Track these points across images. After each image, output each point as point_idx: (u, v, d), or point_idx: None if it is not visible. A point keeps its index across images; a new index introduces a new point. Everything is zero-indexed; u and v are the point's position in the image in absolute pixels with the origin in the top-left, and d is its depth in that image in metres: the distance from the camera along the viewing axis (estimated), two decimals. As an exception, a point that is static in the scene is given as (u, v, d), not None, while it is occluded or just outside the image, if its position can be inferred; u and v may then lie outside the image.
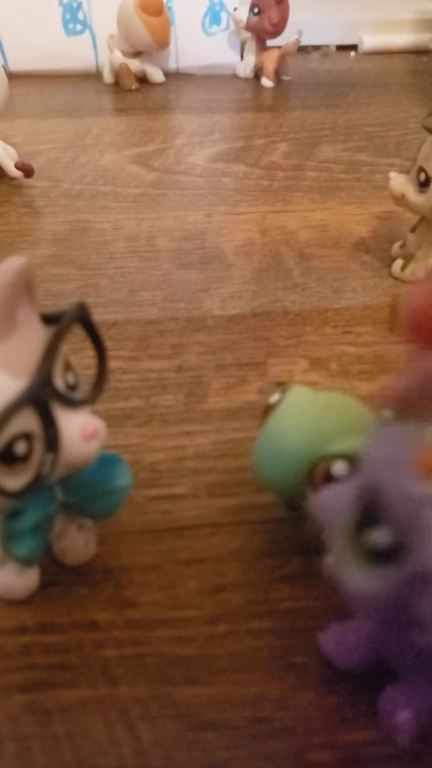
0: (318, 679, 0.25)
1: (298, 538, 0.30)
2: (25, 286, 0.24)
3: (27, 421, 0.23)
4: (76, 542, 0.29)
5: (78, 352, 0.27)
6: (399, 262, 0.47)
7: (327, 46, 0.93)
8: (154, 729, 0.24)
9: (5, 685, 0.25)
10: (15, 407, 0.22)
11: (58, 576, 0.29)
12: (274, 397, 0.29)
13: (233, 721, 0.24)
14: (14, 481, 0.24)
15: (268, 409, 0.29)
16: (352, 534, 0.20)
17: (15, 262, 0.23)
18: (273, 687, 0.25)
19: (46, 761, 0.23)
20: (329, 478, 0.26)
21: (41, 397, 0.23)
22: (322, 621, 0.27)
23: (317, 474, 0.27)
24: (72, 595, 0.28)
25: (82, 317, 0.25)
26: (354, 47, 0.94)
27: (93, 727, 0.24)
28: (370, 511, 0.20)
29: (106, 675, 0.26)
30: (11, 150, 0.59)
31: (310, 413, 0.28)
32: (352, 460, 0.26)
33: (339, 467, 0.26)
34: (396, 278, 0.47)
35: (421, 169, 0.42)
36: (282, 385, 0.31)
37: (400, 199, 0.44)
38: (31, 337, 0.24)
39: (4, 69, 0.57)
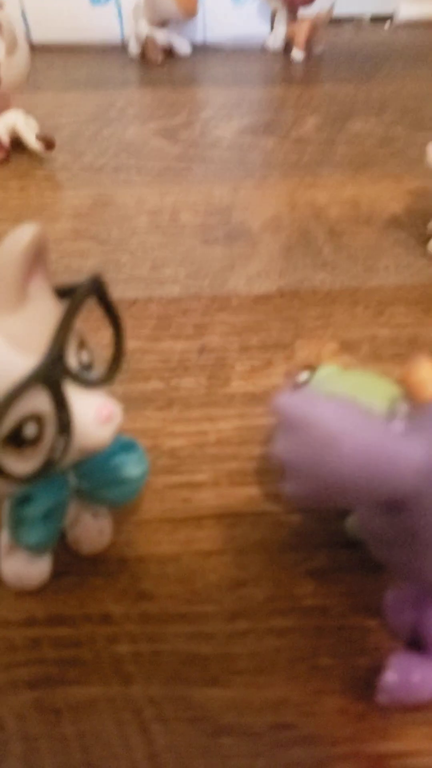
0: (344, 683, 0.24)
1: (324, 530, 0.28)
2: (38, 255, 0.22)
3: (37, 402, 0.21)
4: (91, 530, 0.27)
5: (96, 331, 0.25)
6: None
7: (361, 16, 0.90)
8: (169, 732, 0.23)
9: (12, 681, 0.24)
10: (24, 386, 0.21)
11: (70, 565, 0.27)
12: (304, 376, 0.28)
13: (253, 726, 0.23)
14: (24, 465, 0.22)
15: (296, 388, 0.28)
16: None
17: (27, 230, 0.22)
18: (296, 691, 0.24)
19: (53, 763, 0.22)
20: None
21: (53, 376, 0.22)
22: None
23: None
24: (85, 585, 0.27)
25: (98, 290, 0.23)
26: (389, 18, 0.90)
27: (104, 728, 0.23)
28: None
29: (118, 672, 0.24)
30: (33, 122, 0.57)
31: (340, 393, 0.27)
32: None
33: None
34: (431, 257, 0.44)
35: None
36: (310, 368, 0.30)
37: (439, 174, 0.41)
38: (44, 312, 0.22)
39: (27, 40, 0.55)
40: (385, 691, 0.23)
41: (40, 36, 0.79)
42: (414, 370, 0.20)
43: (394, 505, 0.19)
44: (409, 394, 0.20)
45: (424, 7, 0.88)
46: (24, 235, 0.22)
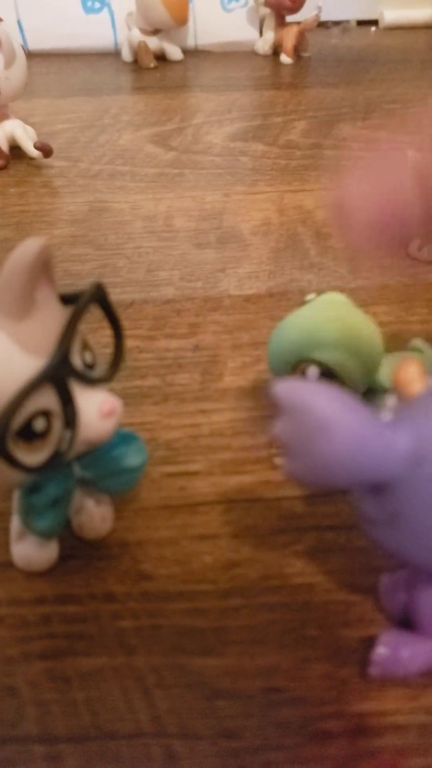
0: (329, 651, 0.26)
1: (311, 515, 0.31)
2: (44, 266, 0.24)
3: (46, 399, 0.24)
4: (94, 517, 0.29)
5: (95, 332, 0.27)
6: (416, 242, 0.46)
7: (347, 21, 0.92)
8: (169, 697, 0.25)
9: (26, 653, 0.26)
10: (34, 385, 0.23)
11: (76, 549, 0.29)
12: (311, 296, 0.33)
13: (246, 690, 0.25)
14: (33, 457, 0.24)
15: (301, 305, 0.33)
16: None
17: (34, 243, 0.23)
18: (285, 658, 0.26)
19: (65, 725, 0.24)
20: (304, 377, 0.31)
21: (59, 375, 0.24)
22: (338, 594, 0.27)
23: (297, 371, 0.31)
24: (90, 567, 0.29)
25: (100, 297, 0.26)
26: (375, 22, 0.93)
27: (110, 694, 0.25)
28: None
29: (122, 644, 0.26)
30: (30, 130, 0.59)
31: (314, 319, 0.32)
32: (325, 369, 0.31)
33: (312, 371, 0.31)
34: (413, 258, 0.47)
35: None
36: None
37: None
38: (50, 317, 0.24)
39: (23, 48, 0.57)
40: (377, 664, 0.25)
41: (35, 44, 0.81)
42: (402, 369, 0.23)
43: (380, 488, 0.21)
44: (398, 390, 0.22)
45: (407, 12, 0.90)
46: (31, 247, 0.23)
